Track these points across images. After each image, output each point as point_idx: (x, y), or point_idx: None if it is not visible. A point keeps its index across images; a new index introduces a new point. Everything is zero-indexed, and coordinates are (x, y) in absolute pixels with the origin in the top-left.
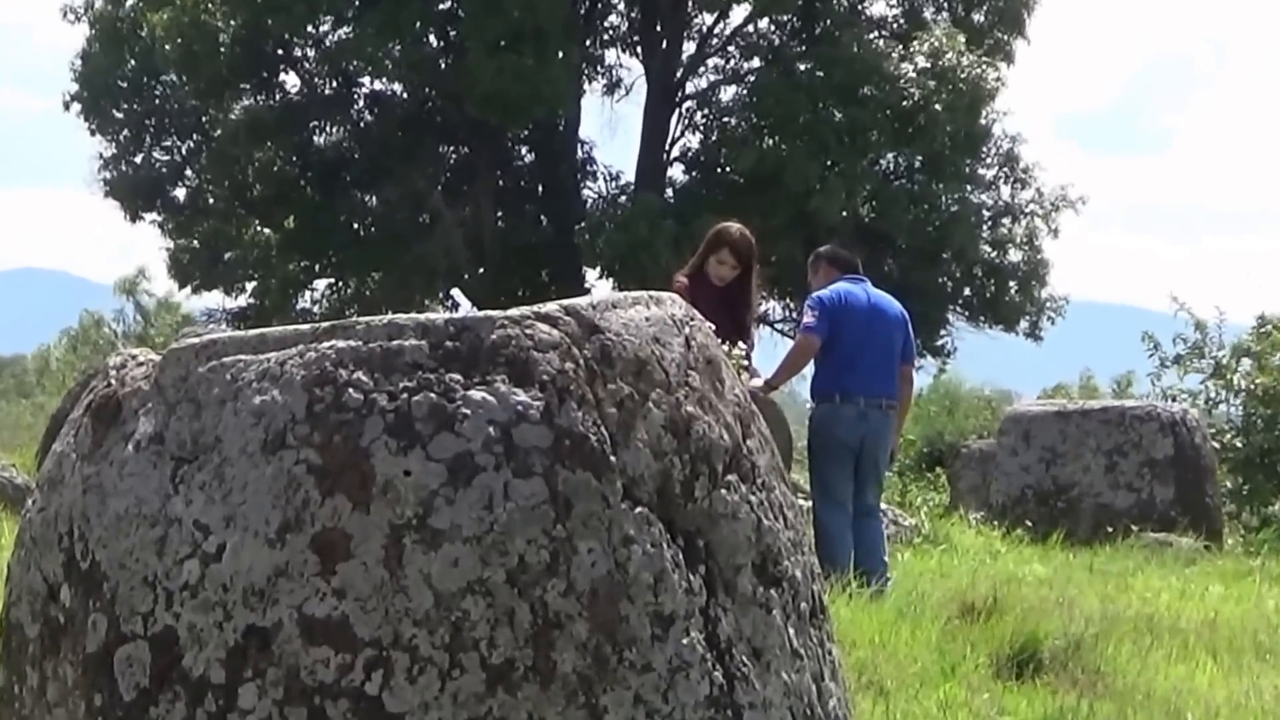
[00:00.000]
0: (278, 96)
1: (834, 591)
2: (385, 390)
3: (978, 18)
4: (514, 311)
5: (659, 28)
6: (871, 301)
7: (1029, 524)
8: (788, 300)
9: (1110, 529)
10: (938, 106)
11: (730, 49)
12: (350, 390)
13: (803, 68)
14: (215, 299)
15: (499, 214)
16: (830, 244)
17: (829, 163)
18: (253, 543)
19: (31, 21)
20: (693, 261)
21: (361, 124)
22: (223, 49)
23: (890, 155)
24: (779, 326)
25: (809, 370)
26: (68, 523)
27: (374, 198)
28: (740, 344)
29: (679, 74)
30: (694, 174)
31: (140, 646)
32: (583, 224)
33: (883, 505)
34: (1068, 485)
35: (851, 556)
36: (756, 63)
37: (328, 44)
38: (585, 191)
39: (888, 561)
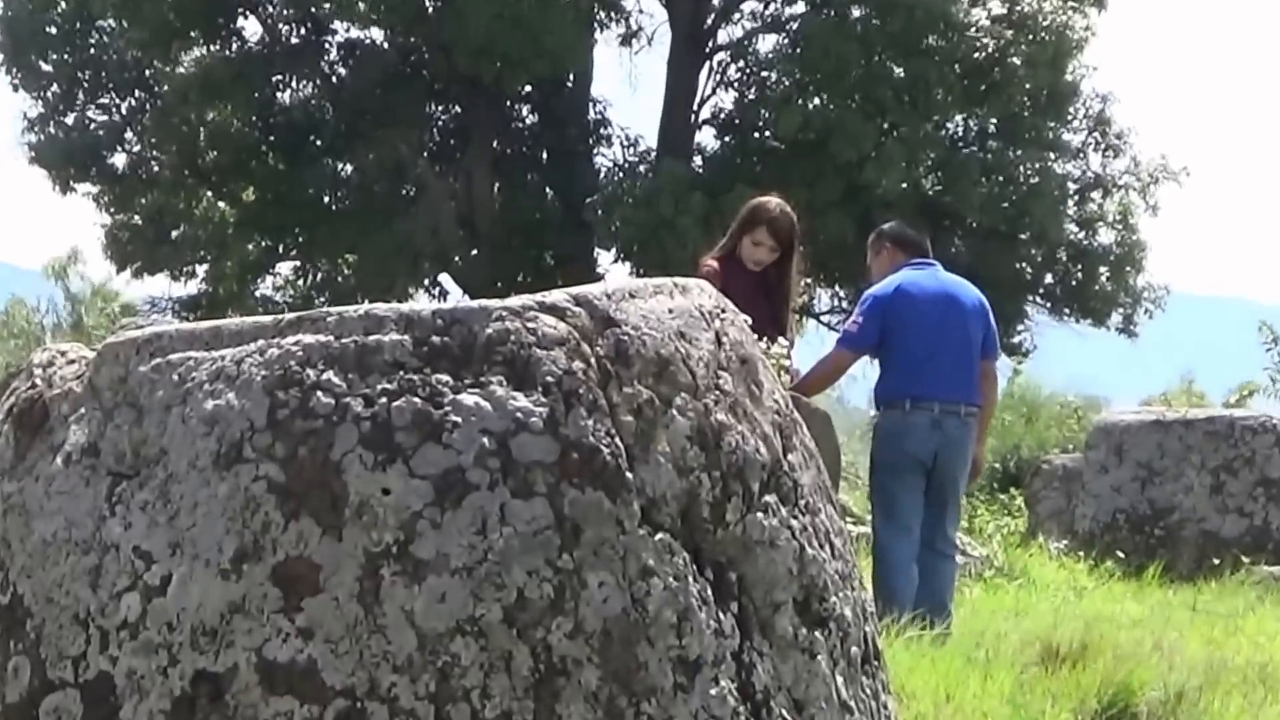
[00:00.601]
0: (235, 46)
1: (890, 634)
2: (361, 394)
3: None
4: (513, 301)
5: None
6: (945, 290)
7: (1121, 555)
8: (836, 289)
9: (1217, 561)
10: (1015, 60)
11: None
12: (319, 394)
13: (856, 14)
14: (160, 284)
15: (496, 186)
16: (893, 221)
17: (886, 126)
18: (203, 573)
19: None
20: (724, 243)
21: (334, 79)
22: None
23: (959, 117)
24: (825, 319)
25: (863, 372)
26: None
27: (348, 166)
28: (780, 340)
29: (709, 20)
30: (727, 139)
31: (70, 696)
32: (595, 198)
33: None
34: (1167, 509)
35: (914, 594)
36: (801, 7)
37: None
38: (598, 160)
39: (951, 607)
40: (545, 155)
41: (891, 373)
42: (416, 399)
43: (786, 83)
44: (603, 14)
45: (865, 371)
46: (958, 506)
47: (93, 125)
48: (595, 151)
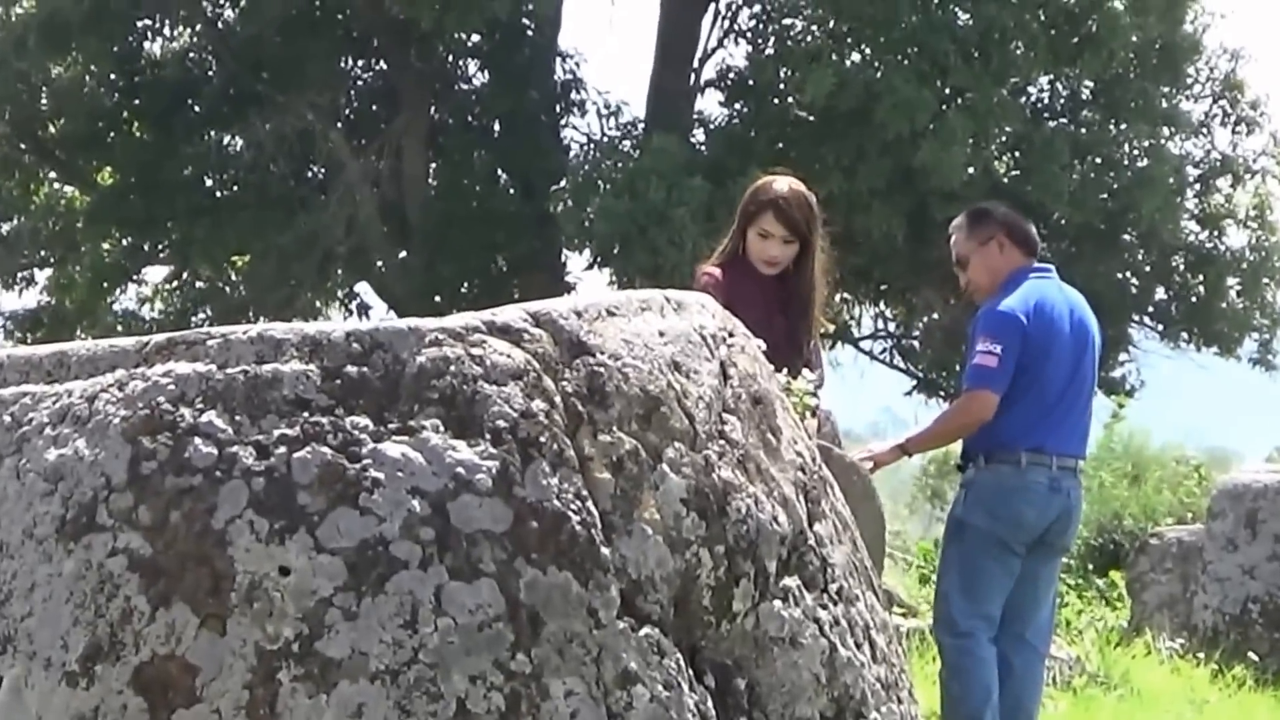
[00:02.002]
0: None
1: None
2: (252, 441)
3: None
4: (454, 320)
5: None
6: (1076, 313)
7: (1254, 657)
8: (882, 306)
9: None
10: (1117, 4)
11: None
12: (197, 441)
13: None
14: None
15: (433, 166)
16: (994, 203)
17: (948, 91)
18: (43, 678)
19: None
20: (727, 243)
21: (219, 25)
22: None
23: (1044, 80)
24: (865, 346)
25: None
26: None
27: (238, 140)
28: (806, 372)
29: None
30: (737, 106)
31: None
32: (564, 183)
33: None
34: None
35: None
36: None
37: None
38: (567, 133)
39: None
40: (497, 127)
41: (1010, 416)
42: (326, 449)
43: (816, 33)
44: None
45: (918, 414)
46: (1055, 591)
47: None
48: (564, 122)
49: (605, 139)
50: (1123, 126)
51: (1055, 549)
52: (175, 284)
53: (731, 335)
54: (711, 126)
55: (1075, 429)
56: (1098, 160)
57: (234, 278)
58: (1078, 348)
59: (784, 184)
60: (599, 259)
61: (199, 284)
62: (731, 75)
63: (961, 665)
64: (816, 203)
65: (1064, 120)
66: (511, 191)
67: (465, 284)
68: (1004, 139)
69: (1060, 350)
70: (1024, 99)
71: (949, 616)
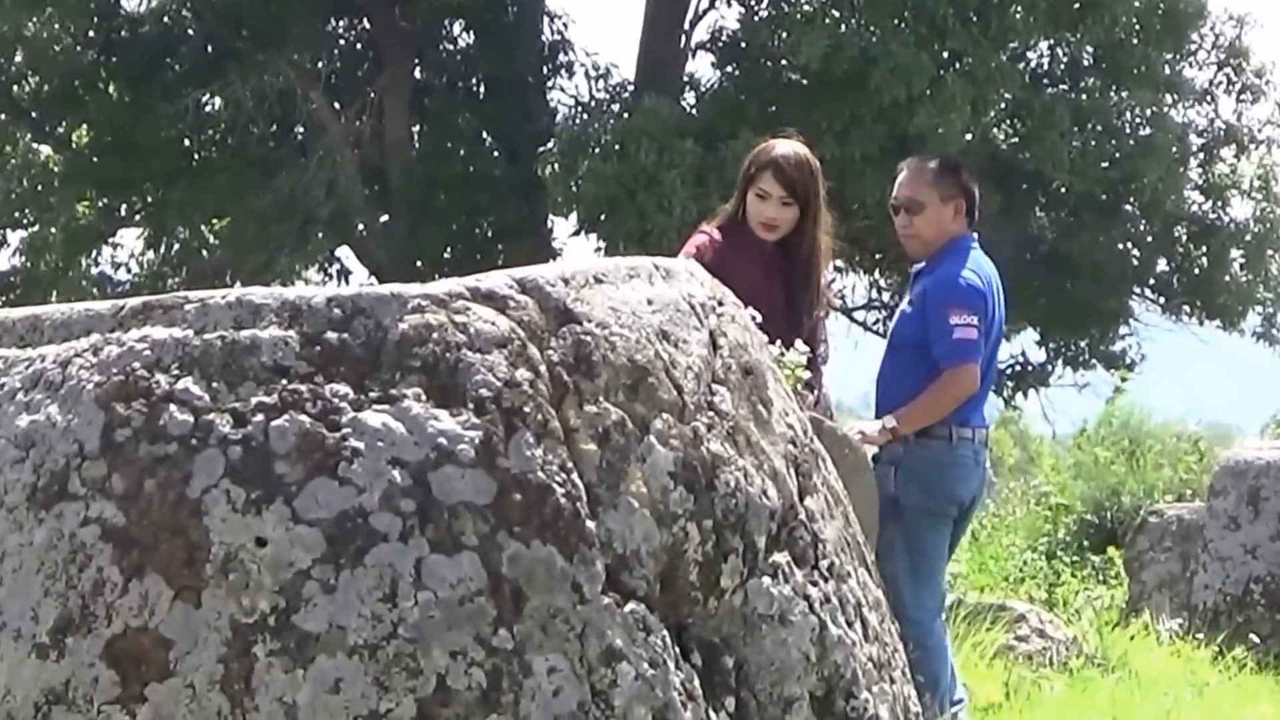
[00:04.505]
0: None
1: None
2: (229, 409)
3: None
4: (437, 286)
5: None
6: (999, 287)
7: (1256, 639)
8: (876, 276)
9: None
10: None
11: None
12: (173, 408)
13: None
14: None
15: (416, 129)
16: (959, 160)
17: (945, 55)
18: (13, 649)
19: None
20: (727, 206)
21: None
22: None
23: (1044, 45)
24: (859, 317)
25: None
26: None
27: (216, 100)
28: (798, 344)
29: None
30: (729, 69)
31: None
32: (550, 145)
33: (1027, 605)
34: None
35: (955, 680)
36: None
37: None
38: (555, 95)
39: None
40: (483, 88)
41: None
42: (304, 417)
43: None
44: None
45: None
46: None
47: None
48: (550, 83)
49: (594, 102)
50: (1124, 93)
51: (968, 519)
52: (151, 247)
53: (721, 304)
54: (702, 90)
55: (985, 402)
56: (1099, 128)
57: (212, 241)
58: (1000, 324)
59: (786, 145)
60: (586, 224)
61: (175, 247)
62: (724, 37)
63: (921, 637)
64: (820, 169)
65: (1064, 86)
66: (497, 155)
67: (449, 249)
68: (1003, 105)
69: (997, 328)
70: (1023, 64)
71: (898, 602)
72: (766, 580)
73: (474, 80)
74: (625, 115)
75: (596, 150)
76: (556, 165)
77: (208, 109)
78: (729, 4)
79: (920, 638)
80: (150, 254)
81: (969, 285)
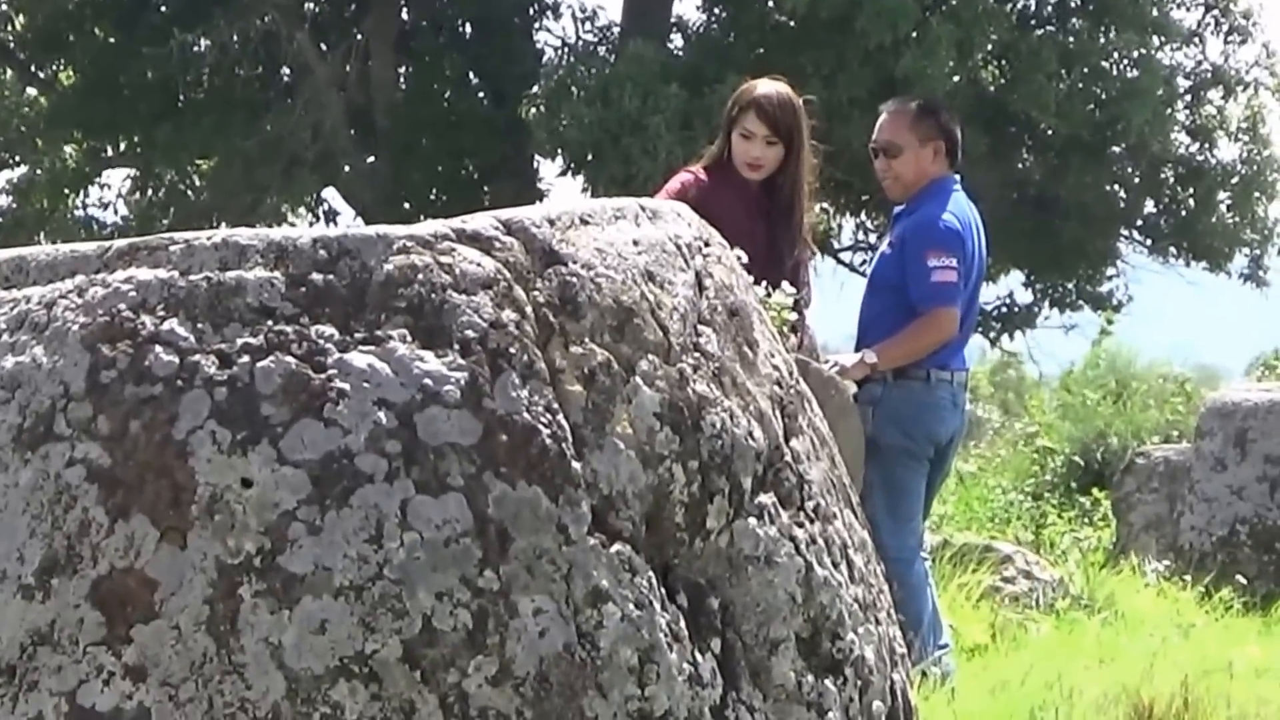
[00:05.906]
0: None
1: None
2: (214, 350)
3: None
4: (423, 228)
5: None
6: (980, 230)
7: (1242, 580)
8: (862, 217)
9: None
10: None
11: None
12: (158, 349)
13: None
14: None
15: (402, 70)
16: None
17: None
18: None
19: None
20: (712, 148)
21: None
22: None
23: None
24: (845, 258)
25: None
26: None
27: (202, 41)
28: (785, 285)
29: None
30: (716, 11)
31: None
32: (536, 89)
33: (1013, 547)
34: None
35: (940, 622)
36: None
37: None
38: (540, 37)
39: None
40: (469, 29)
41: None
42: (290, 358)
43: None
44: None
45: None
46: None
47: None
48: (537, 25)
49: (580, 44)
50: (1111, 35)
51: (947, 460)
52: (137, 189)
53: (707, 245)
54: (689, 33)
55: (965, 345)
56: (1086, 70)
57: (198, 182)
58: (981, 266)
59: (768, 85)
60: (571, 167)
61: (161, 189)
62: None
63: (903, 578)
64: (804, 109)
65: (1051, 28)
66: (482, 97)
67: (434, 191)
68: (989, 47)
69: (977, 271)
70: (1010, 6)
71: (879, 542)
72: (752, 521)
73: (460, 22)
74: (611, 58)
75: (582, 94)
76: (542, 108)
77: (194, 50)
78: None
79: (902, 576)
80: (137, 196)
81: (948, 227)
